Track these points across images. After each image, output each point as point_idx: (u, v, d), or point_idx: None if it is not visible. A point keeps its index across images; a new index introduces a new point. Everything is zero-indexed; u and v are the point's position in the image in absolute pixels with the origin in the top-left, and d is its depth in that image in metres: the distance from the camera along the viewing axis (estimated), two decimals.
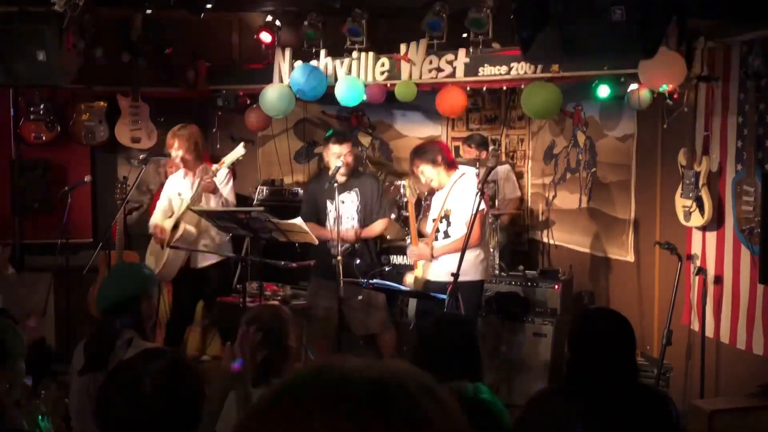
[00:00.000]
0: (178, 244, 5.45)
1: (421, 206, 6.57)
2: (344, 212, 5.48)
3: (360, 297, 5.38)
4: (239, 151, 5.37)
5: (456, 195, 5.00)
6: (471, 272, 4.97)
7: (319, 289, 5.57)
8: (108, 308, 3.15)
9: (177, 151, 5.56)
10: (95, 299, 3.62)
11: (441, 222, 5.10)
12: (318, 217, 5.52)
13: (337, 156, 5.36)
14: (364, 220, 5.54)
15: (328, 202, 5.39)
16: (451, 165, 5.12)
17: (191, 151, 5.59)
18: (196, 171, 5.55)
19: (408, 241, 6.39)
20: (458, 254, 4.64)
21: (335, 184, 5.20)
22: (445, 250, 5.00)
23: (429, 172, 5.04)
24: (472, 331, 3.14)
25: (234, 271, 5.96)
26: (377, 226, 5.57)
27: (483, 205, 4.89)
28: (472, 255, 4.95)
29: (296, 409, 0.83)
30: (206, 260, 5.66)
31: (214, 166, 5.37)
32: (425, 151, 5.11)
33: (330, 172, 5.33)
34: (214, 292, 5.80)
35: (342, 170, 5.33)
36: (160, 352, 2.16)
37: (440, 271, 4.98)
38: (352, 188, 5.51)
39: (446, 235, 5.06)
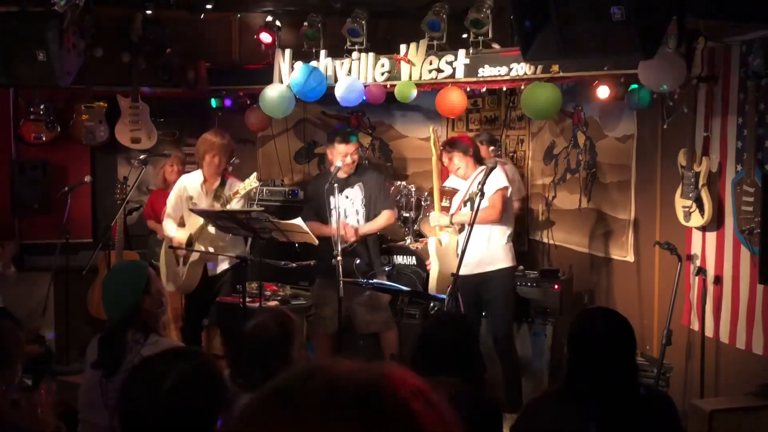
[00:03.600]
0: (194, 259, 5.46)
1: (421, 205, 6.58)
2: (349, 207, 5.49)
3: (366, 293, 5.41)
4: (253, 182, 5.39)
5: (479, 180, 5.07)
6: (501, 260, 5.20)
7: (324, 288, 5.57)
8: (117, 319, 3.18)
9: (214, 160, 5.47)
10: (96, 302, 3.62)
11: (465, 205, 5.28)
12: (319, 215, 5.51)
13: (343, 155, 5.38)
14: (369, 214, 5.54)
15: (331, 199, 5.38)
16: (478, 161, 5.41)
17: (227, 163, 5.61)
18: (218, 189, 5.56)
19: (408, 241, 6.40)
20: (484, 245, 5.12)
21: (335, 185, 5.21)
22: (464, 219, 5.06)
23: (458, 161, 5.35)
24: (470, 330, 3.15)
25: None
26: (381, 219, 5.58)
27: (505, 182, 5.18)
28: (501, 244, 5.20)
29: (287, 412, 0.83)
30: (222, 265, 5.64)
31: (229, 195, 5.41)
32: (459, 142, 5.45)
33: (332, 170, 5.35)
34: (227, 294, 5.75)
35: (346, 168, 5.39)
36: (189, 354, 2.16)
37: (471, 262, 5.08)
38: (355, 183, 5.53)
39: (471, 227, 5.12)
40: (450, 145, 5.45)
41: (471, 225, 4.63)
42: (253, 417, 0.85)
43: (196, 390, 1.98)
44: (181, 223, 5.59)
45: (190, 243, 5.47)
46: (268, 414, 0.84)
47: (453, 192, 5.52)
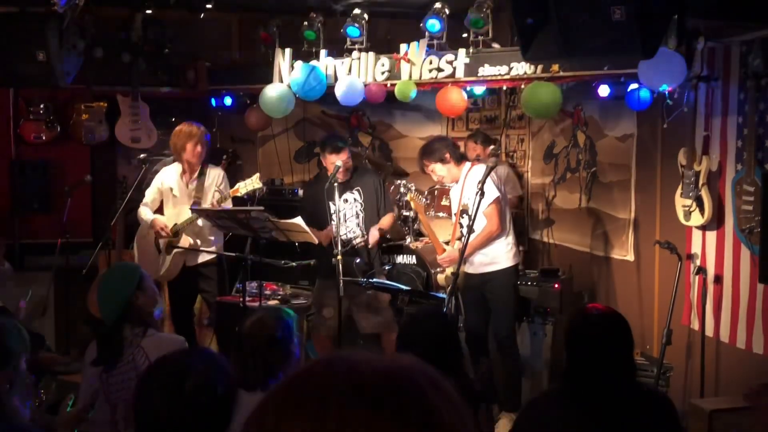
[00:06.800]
0: (179, 250, 5.50)
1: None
2: (349, 211, 5.50)
3: (367, 294, 5.41)
4: (255, 183, 5.41)
5: (469, 189, 5.06)
6: (503, 260, 5.21)
7: (324, 289, 5.56)
8: (111, 317, 3.21)
9: (197, 148, 5.58)
10: (96, 302, 3.65)
11: (462, 217, 5.22)
12: (317, 220, 5.48)
13: (335, 164, 5.41)
14: (367, 218, 5.55)
15: (330, 204, 5.37)
16: (460, 159, 5.32)
17: (206, 151, 5.68)
18: (200, 178, 5.62)
19: (408, 241, 6.40)
20: (489, 245, 5.10)
21: (335, 184, 5.22)
22: (472, 248, 5.04)
23: (440, 170, 5.26)
24: (448, 324, 3.17)
25: (229, 271, 5.96)
26: (386, 221, 5.65)
27: (496, 193, 5.08)
28: (502, 243, 5.19)
29: (309, 400, 0.85)
30: (203, 257, 5.67)
31: (227, 192, 5.47)
32: (433, 150, 5.29)
33: (329, 173, 5.36)
34: (214, 290, 5.79)
35: (341, 176, 5.41)
36: (205, 353, 2.19)
37: (474, 262, 5.21)
38: (354, 187, 5.55)
39: (470, 229, 5.09)
40: (425, 154, 5.34)
41: (470, 230, 4.61)
42: (278, 405, 0.87)
43: (214, 390, 2.00)
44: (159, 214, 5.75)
45: (176, 234, 5.54)
46: (292, 401, 0.86)
47: (447, 190, 5.54)
